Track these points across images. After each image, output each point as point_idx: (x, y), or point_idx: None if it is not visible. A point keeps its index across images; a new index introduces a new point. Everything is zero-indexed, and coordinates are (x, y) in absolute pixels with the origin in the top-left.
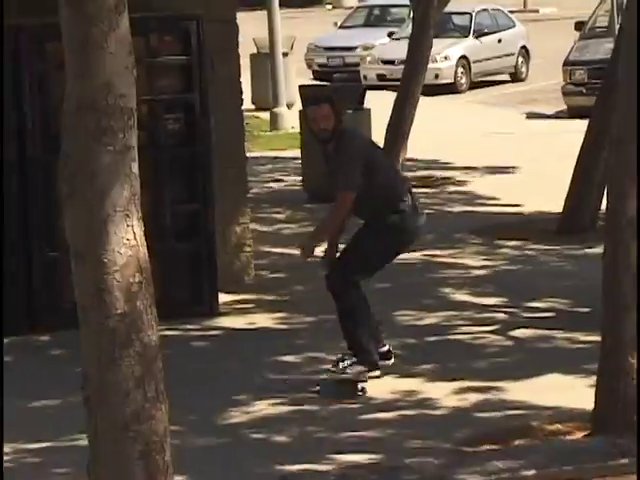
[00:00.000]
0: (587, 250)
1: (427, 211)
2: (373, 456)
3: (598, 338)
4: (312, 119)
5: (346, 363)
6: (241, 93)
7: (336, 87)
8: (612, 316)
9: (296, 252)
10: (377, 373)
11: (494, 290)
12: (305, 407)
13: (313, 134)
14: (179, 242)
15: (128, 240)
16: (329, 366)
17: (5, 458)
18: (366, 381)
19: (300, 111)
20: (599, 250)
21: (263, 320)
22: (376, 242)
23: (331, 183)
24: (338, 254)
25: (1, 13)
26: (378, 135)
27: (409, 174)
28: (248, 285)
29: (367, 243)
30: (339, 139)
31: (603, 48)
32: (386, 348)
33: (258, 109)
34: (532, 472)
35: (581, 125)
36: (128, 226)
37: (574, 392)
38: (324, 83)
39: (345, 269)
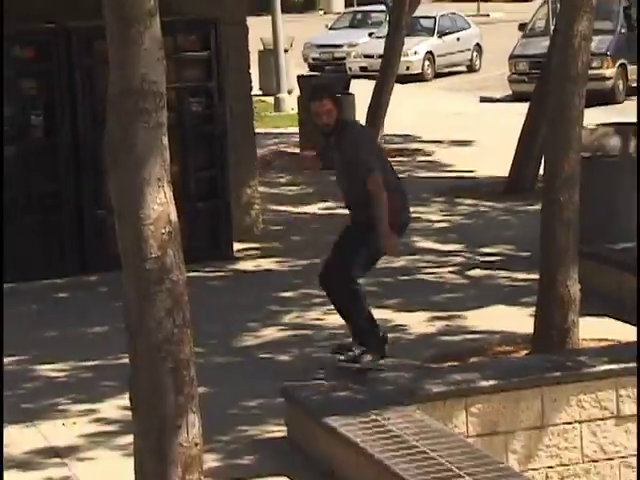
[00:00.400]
0: (528, 207)
1: (401, 176)
2: (357, 372)
3: (536, 276)
4: (315, 114)
5: (356, 352)
6: (250, 82)
7: (326, 76)
8: (548, 259)
9: (294, 209)
10: (382, 361)
11: (453, 239)
12: (301, 331)
13: (316, 127)
14: (201, 201)
15: (160, 199)
16: (338, 355)
17: (63, 374)
18: (380, 369)
19: (298, 97)
20: (537, 207)
21: (267, 264)
22: (374, 240)
23: (340, 178)
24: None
25: (1, 15)
26: (361, 114)
27: (387, 146)
28: (256, 236)
29: (364, 241)
30: (342, 130)
31: (541, 45)
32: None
33: (264, 95)
34: (484, 383)
35: (523, 107)
36: (160, 187)
37: (517, 320)
38: (317, 73)
39: (346, 265)
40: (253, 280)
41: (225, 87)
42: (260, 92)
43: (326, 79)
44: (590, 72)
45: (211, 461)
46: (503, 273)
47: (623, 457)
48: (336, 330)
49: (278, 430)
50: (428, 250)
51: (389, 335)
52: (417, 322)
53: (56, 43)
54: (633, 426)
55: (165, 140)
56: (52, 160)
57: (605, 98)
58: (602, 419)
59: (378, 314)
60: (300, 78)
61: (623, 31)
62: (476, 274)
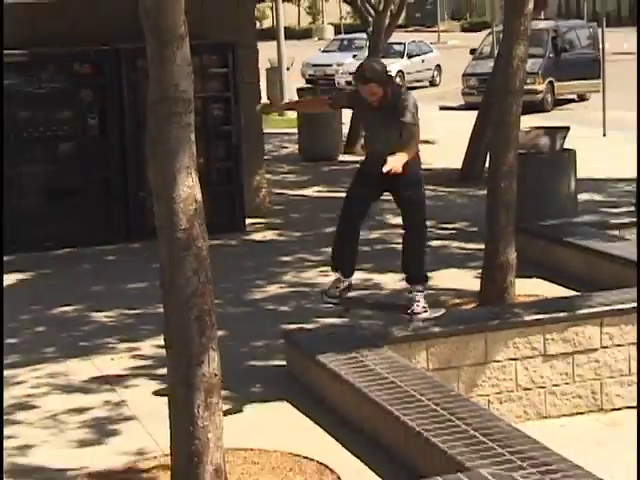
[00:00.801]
0: (477, 192)
1: None
2: (342, 320)
3: (482, 246)
4: (364, 93)
5: (415, 306)
6: (260, 92)
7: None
8: (491, 233)
9: (293, 192)
10: (442, 311)
11: (455, 222)
12: (299, 288)
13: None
14: (220, 185)
15: (188, 183)
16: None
17: (110, 319)
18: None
19: None
20: (483, 192)
21: (271, 235)
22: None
23: (377, 133)
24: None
25: (1, 20)
26: (346, 119)
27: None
28: (263, 213)
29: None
30: (395, 99)
31: (487, 65)
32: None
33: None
34: (441, 329)
35: (473, 114)
36: (188, 174)
37: (467, 280)
38: (311, 86)
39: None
40: (260, 248)
41: (240, 96)
42: (268, 101)
43: (372, 63)
44: (525, 87)
45: (227, 388)
46: (456, 244)
47: (547, 386)
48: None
49: (280, 365)
50: (398, 225)
51: (367, 292)
52: (389, 281)
53: (108, 61)
54: (557, 362)
55: (192, 137)
56: (104, 153)
57: (536, 107)
58: (532, 357)
59: (358, 275)
60: (299, 90)
61: (551, 55)
62: (435, 244)
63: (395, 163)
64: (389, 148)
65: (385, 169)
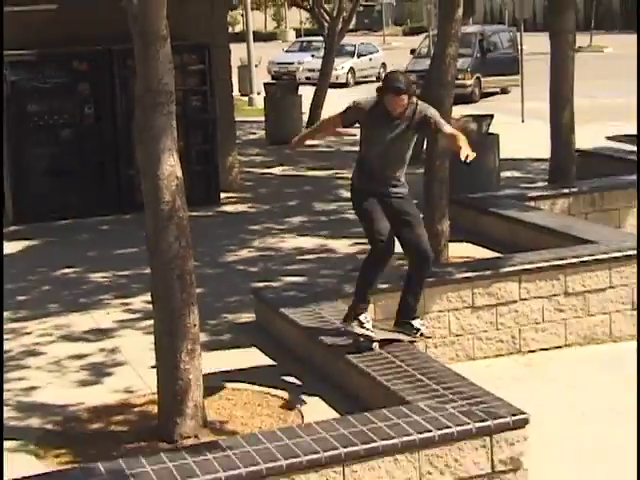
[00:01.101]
0: (417, 170)
1: (332, 150)
2: (302, 278)
3: (421, 216)
4: (391, 104)
5: (417, 322)
6: (232, 86)
7: (287, 82)
8: (428, 204)
9: (261, 170)
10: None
11: None
12: (265, 252)
13: (386, 111)
14: (199, 165)
15: (170, 162)
16: (410, 337)
17: (105, 279)
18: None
19: (264, 97)
20: (422, 170)
21: (243, 208)
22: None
23: (388, 148)
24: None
25: (1, 20)
26: (306, 109)
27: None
28: (236, 189)
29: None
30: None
31: (425, 63)
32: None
33: (242, 95)
34: (386, 285)
35: None
36: (170, 155)
37: None
38: (275, 81)
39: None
40: (233, 218)
41: (214, 90)
42: (238, 93)
43: (402, 74)
44: (456, 82)
45: (204, 337)
46: None
47: (475, 333)
48: (289, 252)
49: (249, 317)
50: (350, 199)
51: (325, 256)
52: (342, 246)
53: (102, 60)
54: (483, 313)
55: (174, 123)
56: (99, 138)
57: (466, 99)
58: (462, 308)
59: (316, 241)
60: (265, 84)
61: (478, 55)
62: None
63: (468, 148)
64: (392, 163)
65: (464, 155)
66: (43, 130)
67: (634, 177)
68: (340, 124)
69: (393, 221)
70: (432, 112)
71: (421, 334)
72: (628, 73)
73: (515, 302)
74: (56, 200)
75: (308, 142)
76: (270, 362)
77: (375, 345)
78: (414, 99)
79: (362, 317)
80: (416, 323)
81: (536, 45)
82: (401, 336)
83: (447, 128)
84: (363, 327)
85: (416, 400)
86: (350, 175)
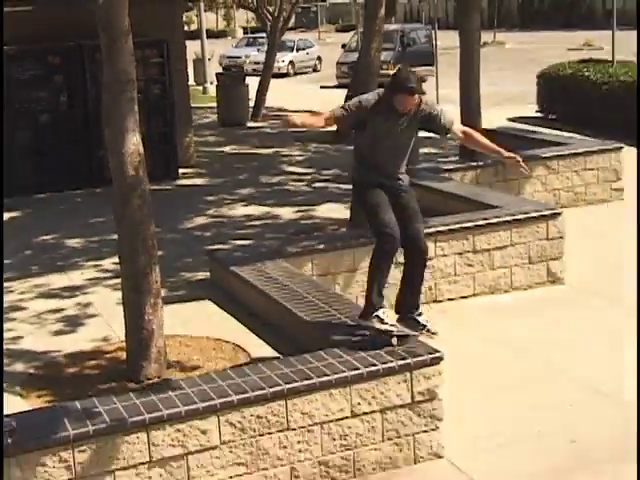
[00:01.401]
0: (347, 147)
1: (275, 132)
2: (249, 241)
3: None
4: (402, 103)
5: (422, 318)
6: (187, 77)
7: (235, 73)
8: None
9: (214, 149)
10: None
11: (305, 165)
12: (218, 219)
13: (391, 107)
14: (159, 145)
15: (134, 142)
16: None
17: (79, 244)
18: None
19: (216, 85)
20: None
21: (199, 181)
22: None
23: (394, 146)
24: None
25: (1, 18)
26: (252, 95)
27: (268, 113)
28: (192, 165)
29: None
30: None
31: (354, 56)
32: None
33: (197, 84)
34: (322, 246)
35: (344, 91)
36: (133, 135)
37: (341, 211)
38: (226, 72)
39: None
40: (190, 190)
41: (173, 79)
42: (194, 83)
43: (412, 72)
44: (381, 71)
45: (165, 292)
46: (333, 185)
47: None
48: (239, 219)
49: (204, 275)
50: (292, 172)
51: (270, 222)
52: (284, 213)
53: (74, 54)
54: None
55: (136, 108)
56: (72, 122)
57: None
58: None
59: (262, 209)
60: (217, 75)
61: (399, 49)
62: (318, 185)
63: (504, 151)
64: (396, 158)
65: (510, 157)
66: (24, 115)
67: (531, 152)
68: (335, 124)
69: (400, 215)
70: (438, 109)
71: (427, 330)
72: (525, 65)
73: (431, 259)
74: (36, 176)
75: (291, 127)
76: (223, 313)
77: (394, 340)
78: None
79: (380, 313)
80: (422, 319)
81: (448, 41)
82: (411, 332)
83: (457, 127)
84: (384, 323)
85: (348, 342)
86: (290, 151)
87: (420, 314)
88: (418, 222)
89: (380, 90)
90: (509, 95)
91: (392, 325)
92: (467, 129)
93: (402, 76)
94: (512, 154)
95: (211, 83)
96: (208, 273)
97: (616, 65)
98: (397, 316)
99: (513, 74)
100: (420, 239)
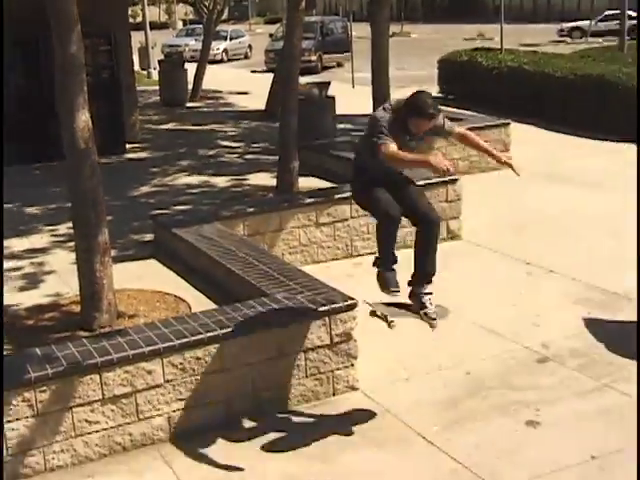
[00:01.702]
0: (274, 124)
1: (211, 110)
2: (189, 207)
3: (277, 158)
4: (419, 127)
5: (428, 299)
6: (133, 63)
7: (176, 59)
8: (283, 149)
9: (158, 127)
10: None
11: (238, 140)
12: (162, 188)
13: (406, 128)
14: (109, 122)
15: (84, 118)
16: (423, 310)
17: (39, 212)
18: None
19: (158, 71)
20: (278, 123)
21: (144, 155)
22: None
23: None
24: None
25: (1, 17)
26: (190, 80)
27: (205, 95)
28: (138, 140)
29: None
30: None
31: (280, 44)
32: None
33: (142, 69)
34: (250, 209)
35: (271, 75)
36: (83, 111)
37: (269, 180)
38: (167, 59)
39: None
40: (136, 163)
41: (120, 65)
42: (139, 68)
43: (431, 95)
44: (303, 58)
45: (115, 252)
46: (263, 157)
47: (318, 243)
48: (180, 187)
49: (149, 237)
50: (226, 146)
51: (207, 190)
52: (220, 182)
53: (31, 40)
54: (324, 228)
55: (85, 88)
56: (29, 101)
57: (311, 71)
58: (309, 225)
59: (200, 178)
60: (160, 61)
61: (320, 38)
62: (249, 157)
63: (499, 153)
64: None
65: (507, 162)
66: None
67: None
68: (396, 146)
69: (406, 196)
70: (441, 117)
71: (425, 313)
72: (428, 52)
73: (347, 220)
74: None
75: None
76: (165, 269)
77: (393, 323)
78: None
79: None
80: (426, 300)
81: (361, 31)
82: (409, 313)
83: (457, 130)
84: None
85: (274, 293)
86: (225, 128)
87: (429, 293)
88: (424, 197)
89: (386, 105)
90: (414, 78)
91: (381, 304)
92: (465, 132)
93: (422, 101)
94: (506, 159)
95: (154, 69)
96: (153, 235)
97: (504, 53)
98: (409, 289)
99: (418, 60)
100: (432, 210)
